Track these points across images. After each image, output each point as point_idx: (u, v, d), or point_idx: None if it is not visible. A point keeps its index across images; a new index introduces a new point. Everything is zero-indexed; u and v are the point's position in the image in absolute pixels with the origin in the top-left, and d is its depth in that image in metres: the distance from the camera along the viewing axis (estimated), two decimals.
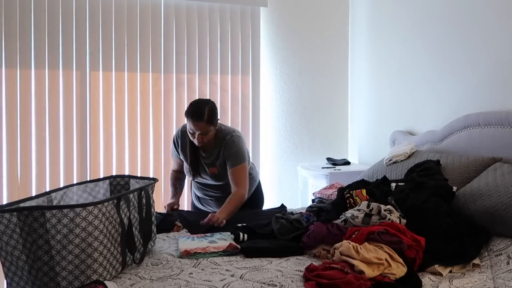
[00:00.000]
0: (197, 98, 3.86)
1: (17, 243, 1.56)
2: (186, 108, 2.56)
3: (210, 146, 2.61)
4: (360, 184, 2.36)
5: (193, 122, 2.46)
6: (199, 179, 2.73)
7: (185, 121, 2.59)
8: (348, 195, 2.21)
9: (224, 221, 2.33)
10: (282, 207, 2.70)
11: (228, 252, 1.94)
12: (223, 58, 3.96)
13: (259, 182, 2.95)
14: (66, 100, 3.60)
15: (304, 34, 4.18)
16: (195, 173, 2.68)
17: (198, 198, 2.88)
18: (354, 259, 1.66)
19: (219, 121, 2.63)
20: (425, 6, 3.29)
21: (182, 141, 2.70)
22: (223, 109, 3.95)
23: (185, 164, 2.73)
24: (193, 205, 2.98)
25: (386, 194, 2.22)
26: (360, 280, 1.54)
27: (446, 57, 3.08)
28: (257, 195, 2.89)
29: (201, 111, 2.47)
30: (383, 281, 1.59)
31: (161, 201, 3.81)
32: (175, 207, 2.68)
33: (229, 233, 2.16)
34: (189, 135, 2.54)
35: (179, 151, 2.72)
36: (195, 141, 2.53)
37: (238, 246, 1.98)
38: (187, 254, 1.92)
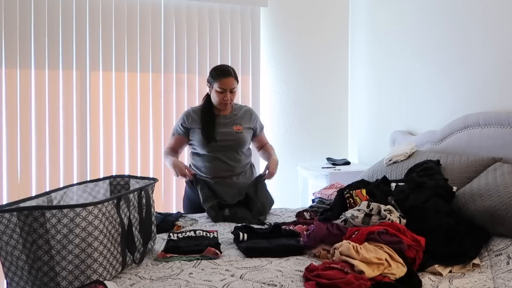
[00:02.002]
0: (197, 98, 3.89)
1: (17, 243, 1.56)
2: (209, 73, 2.85)
3: (227, 113, 2.88)
4: (360, 184, 2.36)
5: (225, 79, 2.75)
6: (215, 149, 2.80)
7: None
8: (348, 195, 2.21)
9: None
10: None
11: (206, 257, 1.90)
12: (223, 58, 3.96)
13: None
14: (66, 100, 3.60)
15: (304, 34, 4.18)
16: (210, 137, 2.78)
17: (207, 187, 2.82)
18: (354, 259, 1.66)
19: None
20: (425, 6, 3.29)
21: (197, 113, 2.86)
22: None
23: (198, 137, 2.82)
24: (189, 202, 2.92)
25: (386, 194, 2.22)
26: (360, 280, 1.54)
27: (446, 57, 3.08)
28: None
29: (228, 69, 2.83)
30: (383, 281, 1.59)
31: (161, 201, 3.81)
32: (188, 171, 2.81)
33: (215, 235, 2.14)
34: (217, 96, 2.77)
35: (195, 123, 2.83)
36: (223, 102, 2.77)
37: (218, 252, 1.93)
38: (162, 257, 1.90)
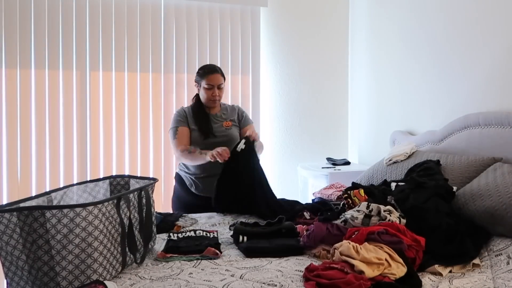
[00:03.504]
0: None
1: (17, 243, 1.56)
2: (196, 73, 2.91)
3: (217, 109, 2.93)
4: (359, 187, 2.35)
5: (211, 76, 2.83)
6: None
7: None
8: (346, 195, 2.21)
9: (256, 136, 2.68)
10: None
11: (206, 257, 1.90)
12: (223, 58, 3.96)
13: None
14: (66, 100, 3.60)
15: (304, 34, 4.18)
16: (207, 131, 2.81)
17: (196, 184, 2.83)
18: (354, 259, 1.66)
19: None
20: (425, 6, 3.29)
21: (189, 111, 2.89)
22: None
23: (192, 134, 2.82)
24: (179, 202, 2.91)
25: (384, 193, 2.22)
26: (360, 280, 1.54)
27: (446, 57, 3.08)
28: None
29: (215, 67, 2.93)
30: (383, 281, 1.59)
31: (161, 201, 3.81)
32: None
33: (215, 235, 2.14)
34: (205, 93, 2.83)
35: (189, 119, 2.85)
36: (211, 98, 2.82)
37: (218, 252, 1.93)
38: (162, 257, 1.90)
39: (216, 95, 2.83)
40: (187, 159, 2.78)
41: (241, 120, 2.95)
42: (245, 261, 1.87)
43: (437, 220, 1.96)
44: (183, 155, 2.77)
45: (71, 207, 1.57)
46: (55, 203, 1.88)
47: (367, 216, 1.94)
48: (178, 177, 2.93)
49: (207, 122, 2.84)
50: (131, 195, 1.84)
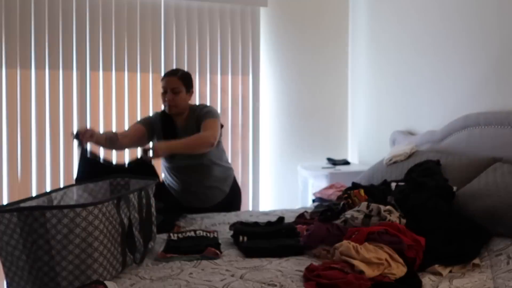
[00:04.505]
0: (197, 98, 3.88)
1: (17, 243, 1.56)
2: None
3: (185, 118, 2.63)
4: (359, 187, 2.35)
5: (166, 78, 2.58)
6: (174, 163, 2.61)
7: None
8: (346, 195, 2.21)
9: (159, 153, 2.27)
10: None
11: (206, 257, 1.90)
12: (223, 59, 3.96)
13: (236, 182, 2.87)
14: (66, 100, 3.60)
15: (304, 34, 4.18)
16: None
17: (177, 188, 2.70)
18: (354, 259, 1.66)
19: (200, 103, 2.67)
20: (424, 7, 3.29)
21: (159, 119, 2.66)
22: (223, 110, 3.96)
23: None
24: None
25: (385, 193, 2.22)
26: (360, 280, 1.54)
27: (446, 57, 3.08)
28: (233, 196, 2.85)
29: (175, 70, 2.68)
30: (383, 281, 1.59)
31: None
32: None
33: (215, 235, 2.14)
34: (162, 98, 2.58)
35: (154, 126, 2.64)
36: (165, 103, 2.55)
37: (218, 252, 1.93)
38: (163, 257, 1.90)
39: (171, 100, 2.52)
40: None
41: (200, 121, 2.53)
42: (245, 261, 1.87)
43: (437, 220, 1.96)
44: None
45: (71, 207, 1.57)
46: (55, 203, 1.88)
47: (367, 216, 1.95)
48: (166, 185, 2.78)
49: (173, 136, 2.53)
50: (131, 195, 1.84)
